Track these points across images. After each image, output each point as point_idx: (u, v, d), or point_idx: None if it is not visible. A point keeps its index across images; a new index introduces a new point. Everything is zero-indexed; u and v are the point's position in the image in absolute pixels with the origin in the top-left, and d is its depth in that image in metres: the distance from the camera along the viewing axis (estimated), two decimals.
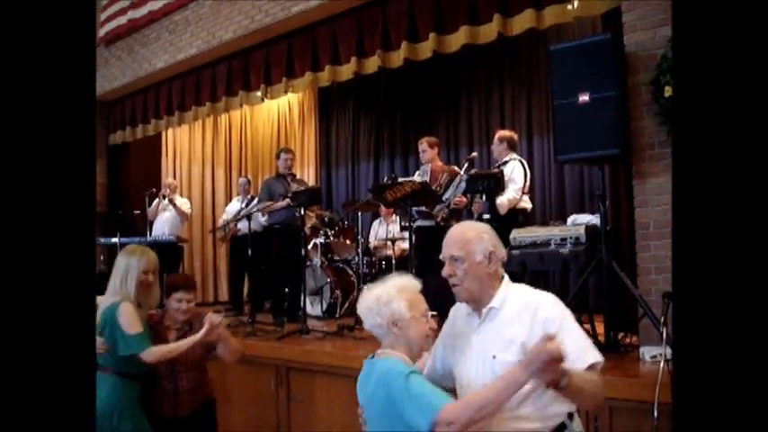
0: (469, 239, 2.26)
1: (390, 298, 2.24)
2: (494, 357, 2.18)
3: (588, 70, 3.91)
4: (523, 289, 2.32)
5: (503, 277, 2.31)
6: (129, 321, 3.26)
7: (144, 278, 3.42)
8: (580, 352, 2.10)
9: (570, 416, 2.19)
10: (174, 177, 9.61)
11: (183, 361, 3.37)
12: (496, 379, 2.06)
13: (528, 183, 5.51)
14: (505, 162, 5.51)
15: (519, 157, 5.61)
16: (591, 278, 4.08)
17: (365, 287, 2.49)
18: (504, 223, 4.95)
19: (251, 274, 7.22)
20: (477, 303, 2.29)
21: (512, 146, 5.68)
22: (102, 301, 3.37)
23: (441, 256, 2.33)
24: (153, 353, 3.26)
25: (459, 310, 2.44)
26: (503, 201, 5.16)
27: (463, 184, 5.70)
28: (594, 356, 2.13)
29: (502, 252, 2.30)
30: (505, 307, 2.23)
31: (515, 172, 5.36)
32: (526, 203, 5.49)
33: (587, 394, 2.07)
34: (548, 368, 1.89)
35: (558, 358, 1.88)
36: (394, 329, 2.23)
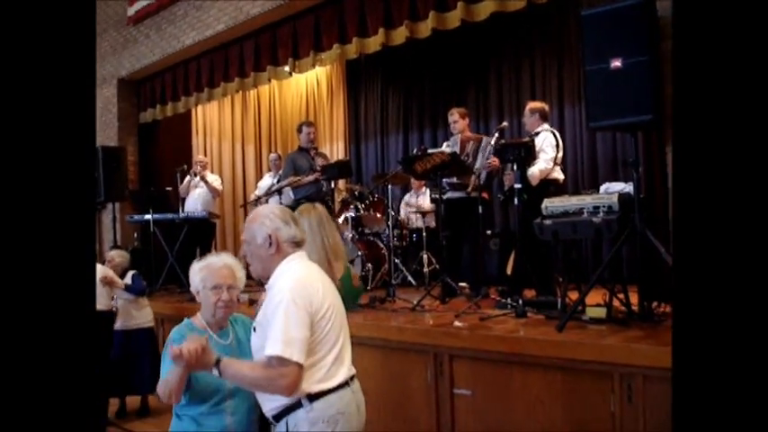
0: (252, 224, 2.49)
1: (194, 272, 2.75)
2: (254, 330, 2.44)
3: (620, 36, 3.82)
4: (288, 272, 2.40)
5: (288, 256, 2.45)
6: None
7: None
8: (270, 342, 2.24)
9: (312, 397, 2.29)
10: (205, 154, 9.71)
11: None
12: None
13: (561, 154, 5.45)
14: (537, 133, 5.45)
15: (551, 129, 5.54)
16: (624, 247, 4.03)
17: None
18: (535, 194, 4.92)
19: None
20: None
21: (543, 117, 5.62)
22: None
23: None
24: None
25: None
26: (534, 171, 5.12)
27: (490, 147, 5.66)
28: (276, 349, 2.21)
29: (287, 233, 2.44)
30: (273, 288, 2.38)
31: (546, 142, 5.30)
32: (558, 174, 5.43)
33: (247, 383, 2.39)
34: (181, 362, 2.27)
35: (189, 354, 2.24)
36: (198, 297, 2.74)
